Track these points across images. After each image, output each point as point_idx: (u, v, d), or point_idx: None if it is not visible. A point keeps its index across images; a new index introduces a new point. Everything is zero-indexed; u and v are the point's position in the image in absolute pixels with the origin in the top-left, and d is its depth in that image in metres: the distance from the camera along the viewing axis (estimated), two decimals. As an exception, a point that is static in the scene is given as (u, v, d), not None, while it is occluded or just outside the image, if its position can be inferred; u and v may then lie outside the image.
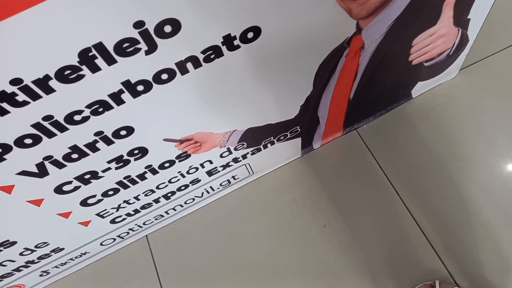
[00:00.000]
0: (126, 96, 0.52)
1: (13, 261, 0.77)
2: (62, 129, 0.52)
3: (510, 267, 0.83)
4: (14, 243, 0.71)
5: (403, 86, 0.95)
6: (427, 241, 0.88)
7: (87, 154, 0.59)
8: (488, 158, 0.93)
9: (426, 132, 0.99)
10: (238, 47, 0.54)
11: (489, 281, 0.83)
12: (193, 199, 0.93)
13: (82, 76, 0.46)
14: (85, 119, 0.52)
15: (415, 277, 0.85)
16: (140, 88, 0.52)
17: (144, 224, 0.92)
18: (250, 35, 0.53)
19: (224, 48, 0.53)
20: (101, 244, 0.89)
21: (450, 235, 0.87)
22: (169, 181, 0.79)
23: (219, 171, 0.87)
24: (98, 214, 0.77)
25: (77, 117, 0.51)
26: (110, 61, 0.46)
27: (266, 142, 0.85)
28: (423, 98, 1.02)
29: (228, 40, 0.52)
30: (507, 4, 1.10)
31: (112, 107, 0.53)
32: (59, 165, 0.58)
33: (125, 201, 0.77)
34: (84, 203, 0.70)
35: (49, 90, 0.45)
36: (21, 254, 0.75)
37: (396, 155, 0.97)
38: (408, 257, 0.87)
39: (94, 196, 0.70)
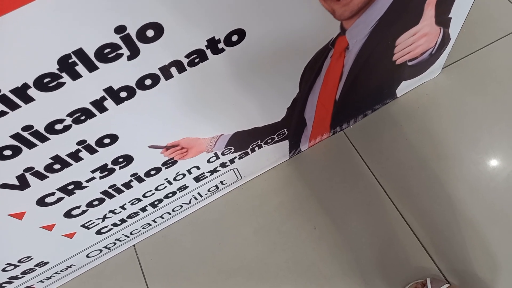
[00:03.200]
0: (109, 103, 0.51)
1: (-5, 278, 0.74)
2: (43, 139, 0.50)
3: (498, 263, 0.84)
4: (-5, 258, 0.68)
5: (387, 85, 0.95)
6: (417, 239, 0.88)
7: (70, 164, 0.57)
8: (473, 155, 0.94)
9: (411, 131, 0.99)
10: (222, 50, 0.53)
11: (478, 277, 0.83)
12: (181, 206, 0.91)
13: (63, 84, 0.44)
14: (67, 128, 0.51)
15: (406, 276, 0.85)
16: (123, 94, 0.51)
17: (131, 233, 0.90)
18: (234, 38, 0.53)
19: (208, 52, 0.52)
20: (87, 256, 0.87)
21: (438, 233, 0.88)
22: (156, 189, 0.77)
23: (207, 177, 0.85)
24: (83, 226, 0.74)
25: (58, 126, 0.50)
26: (91, 67, 0.45)
27: (254, 146, 0.84)
28: (408, 97, 1.03)
29: (213, 44, 0.51)
30: (487, 3, 1.12)
31: (94, 115, 0.51)
32: (40, 176, 0.56)
33: (111, 211, 0.76)
34: (68, 214, 0.68)
35: (28, 99, 0.44)
36: (3, 270, 0.73)
37: (383, 155, 0.97)
38: (399, 256, 0.87)
39: (78, 207, 0.68)
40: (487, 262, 0.84)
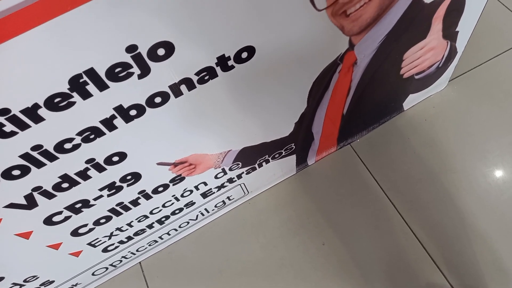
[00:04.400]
0: (118, 121, 0.50)
1: (0, 297, 0.73)
2: (52, 158, 0.50)
3: (510, 278, 0.82)
4: (1, 278, 0.67)
5: (395, 99, 0.95)
6: (427, 254, 0.86)
7: (78, 183, 0.56)
8: (482, 168, 0.93)
9: (419, 144, 0.98)
10: (232, 67, 0.53)
11: (491, 293, 0.82)
12: (188, 222, 0.90)
13: (73, 103, 0.44)
14: (76, 147, 0.50)
15: (417, 292, 0.83)
16: (133, 112, 0.51)
17: (137, 250, 0.89)
18: (244, 55, 0.53)
19: (218, 69, 0.52)
20: (93, 274, 0.86)
21: (449, 247, 0.86)
22: (163, 206, 0.77)
23: (214, 193, 0.84)
24: (89, 244, 0.73)
25: (67, 145, 0.49)
26: (102, 86, 0.44)
27: (261, 161, 0.83)
28: (415, 111, 1.03)
29: (223, 61, 0.51)
30: (492, 16, 1.13)
31: (104, 133, 0.51)
32: (48, 195, 0.55)
33: (117, 229, 0.75)
34: (75, 233, 0.67)
35: (38, 119, 0.44)
36: (8, 289, 0.72)
37: (390, 168, 0.97)
38: (408, 271, 0.86)
39: (85, 225, 0.67)
40: (499, 278, 0.82)
